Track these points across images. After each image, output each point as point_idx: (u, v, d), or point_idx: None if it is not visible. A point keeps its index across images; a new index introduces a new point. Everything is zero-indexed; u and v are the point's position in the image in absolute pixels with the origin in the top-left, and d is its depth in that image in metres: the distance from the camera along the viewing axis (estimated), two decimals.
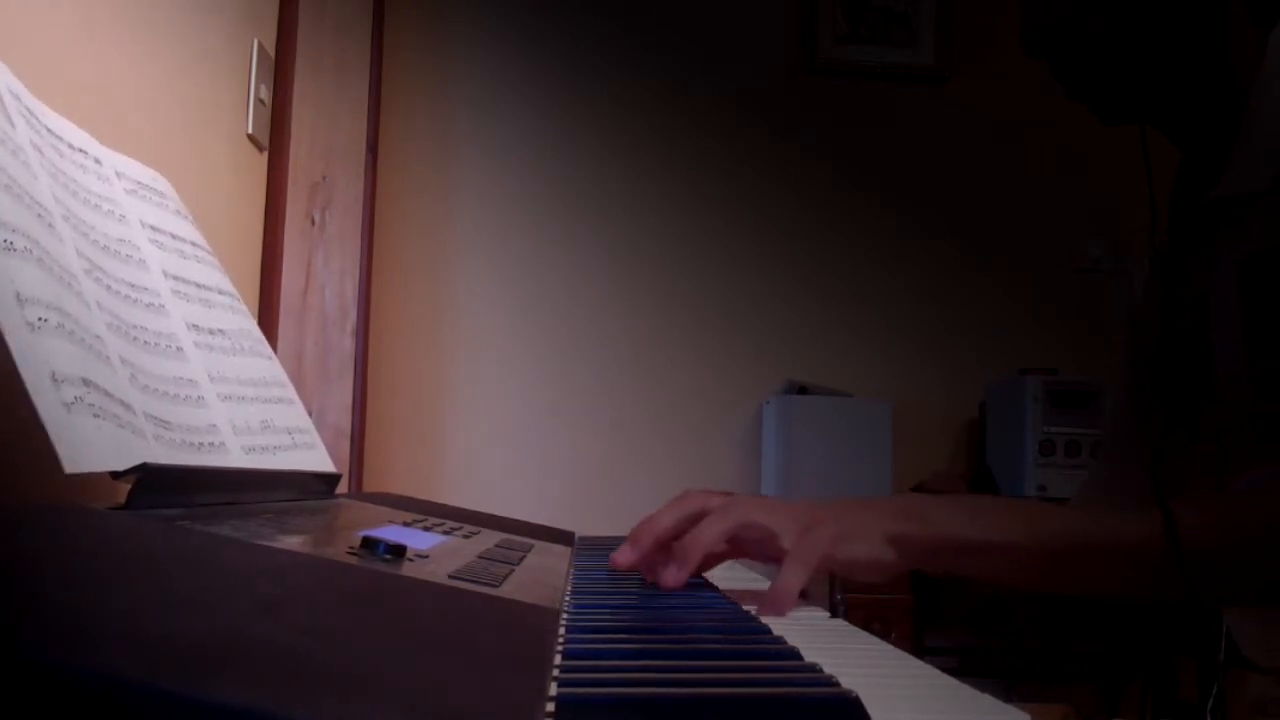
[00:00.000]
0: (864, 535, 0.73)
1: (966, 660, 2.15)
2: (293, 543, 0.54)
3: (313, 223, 1.76)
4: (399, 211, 2.34)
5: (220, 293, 0.84)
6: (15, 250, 0.51)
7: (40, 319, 0.50)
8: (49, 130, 0.66)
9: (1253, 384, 0.82)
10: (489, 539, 0.77)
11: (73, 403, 0.50)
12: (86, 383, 0.52)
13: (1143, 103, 0.88)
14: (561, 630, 0.48)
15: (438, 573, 0.52)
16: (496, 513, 1.06)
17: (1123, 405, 1.08)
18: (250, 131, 1.52)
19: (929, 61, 2.50)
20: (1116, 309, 2.45)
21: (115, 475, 0.53)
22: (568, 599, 0.61)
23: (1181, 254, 0.92)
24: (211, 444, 0.68)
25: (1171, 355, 0.94)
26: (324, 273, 1.77)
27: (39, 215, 0.56)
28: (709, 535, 0.73)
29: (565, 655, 0.42)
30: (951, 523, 0.74)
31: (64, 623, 0.25)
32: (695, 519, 0.75)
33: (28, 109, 0.63)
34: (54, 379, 0.49)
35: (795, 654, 0.45)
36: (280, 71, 1.70)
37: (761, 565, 0.79)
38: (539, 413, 2.37)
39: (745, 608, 0.65)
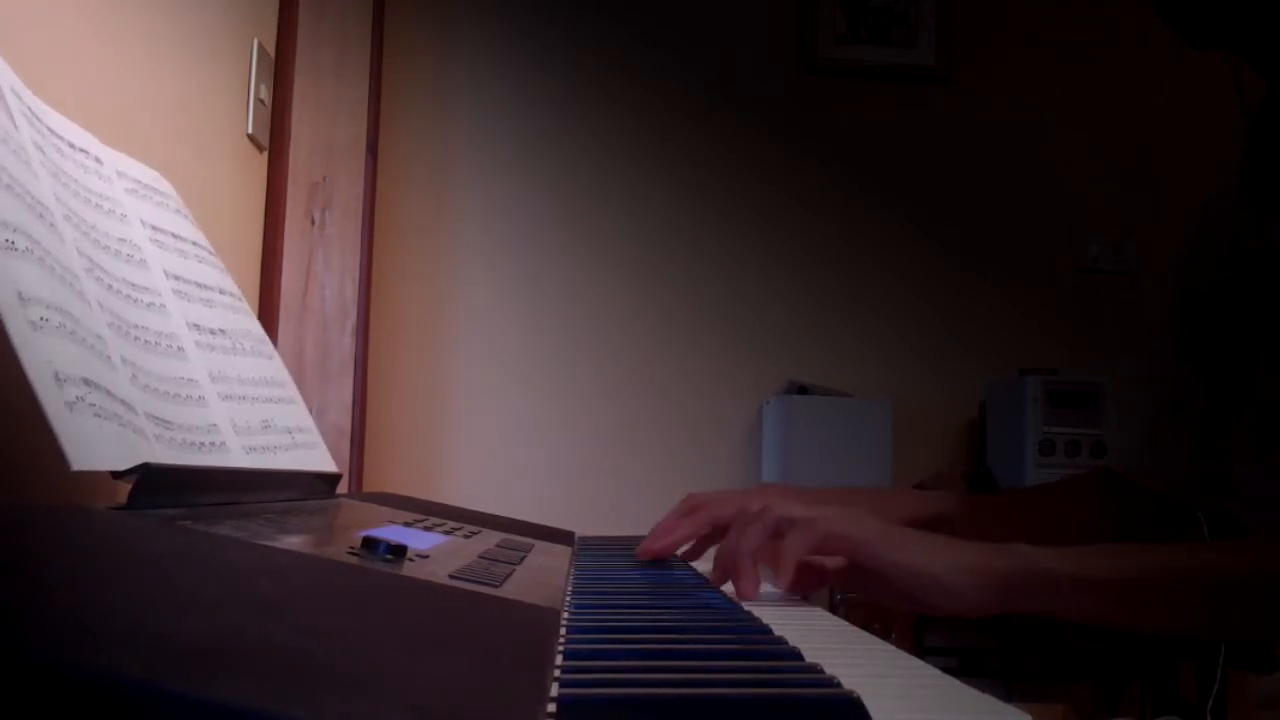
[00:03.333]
0: (930, 551, 0.71)
1: (966, 660, 2.15)
2: (293, 543, 0.54)
3: (313, 223, 1.76)
4: (399, 211, 2.34)
5: (221, 292, 0.84)
6: (16, 250, 0.51)
7: (41, 319, 0.50)
8: (50, 130, 0.66)
9: None
10: (489, 539, 0.77)
11: (74, 402, 0.50)
12: (88, 383, 0.52)
13: (1233, 23, 0.82)
14: (562, 630, 0.48)
15: (438, 573, 0.52)
16: (496, 513, 1.06)
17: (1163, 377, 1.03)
18: (250, 131, 1.52)
19: (929, 61, 2.49)
20: (1117, 309, 2.45)
21: (116, 475, 0.53)
22: (568, 599, 0.61)
23: (1258, 201, 0.85)
24: (212, 444, 0.68)
25: (1228, 309, 0.88)
26: (324, 273, 1.77)
27: (40, 215, 0.56)
28: (795, 551, 0.71)
29: (566, 655, 0.42)
30: (1040, 555, 0.71)
31: (65, 622, 0.25)
32: (773, 532, 0.73)
33: (29, 109, 0.63)
34: (57, 378, 0.49)
35: (796, 654, 0.45)
36: (280, 71, 1.70)
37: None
38: (539, 412, 2.37)
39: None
